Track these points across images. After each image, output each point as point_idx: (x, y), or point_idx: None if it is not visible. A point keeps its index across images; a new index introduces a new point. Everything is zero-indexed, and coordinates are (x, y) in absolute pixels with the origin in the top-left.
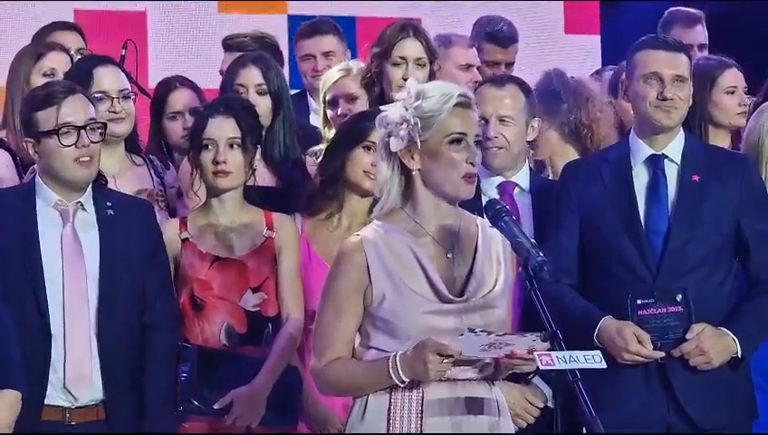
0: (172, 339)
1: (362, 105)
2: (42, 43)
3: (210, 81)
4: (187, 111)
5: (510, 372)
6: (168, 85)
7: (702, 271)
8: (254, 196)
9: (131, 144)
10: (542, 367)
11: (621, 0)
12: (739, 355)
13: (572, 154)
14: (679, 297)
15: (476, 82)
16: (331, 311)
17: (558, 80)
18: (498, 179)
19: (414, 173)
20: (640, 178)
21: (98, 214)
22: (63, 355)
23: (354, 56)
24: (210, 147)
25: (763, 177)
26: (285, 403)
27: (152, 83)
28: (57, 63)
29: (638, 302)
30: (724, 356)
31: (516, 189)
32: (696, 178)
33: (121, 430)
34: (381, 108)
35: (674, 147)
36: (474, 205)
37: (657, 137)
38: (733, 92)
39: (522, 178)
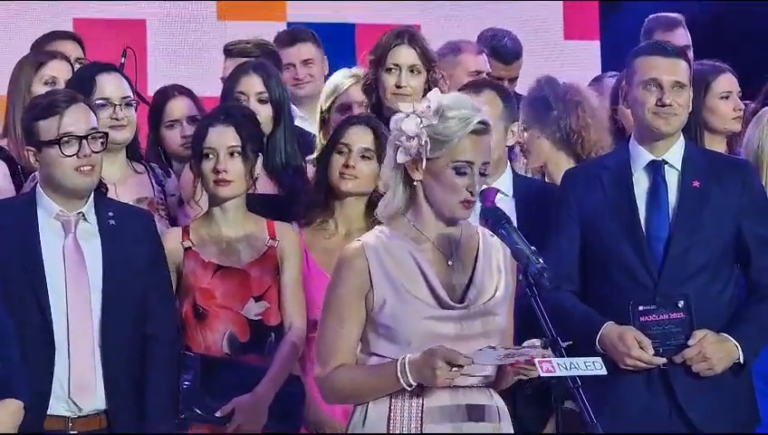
0: (173, 349)
1: None
2: (43, 51)
3: (209, 88)
4: (185, 119)
5: (517, 377)
6: (165, 94)
7: (703, 277)
8: (255, 204)
9: (132, 152)
10: (542, 374)
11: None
12: (741, 361)
13: (565, 160)
14: (681, 303)
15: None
16: (333, 318)
17: (548, 87)
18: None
19: (416, 184)
20: (641, 184)
21: (99, 224)
22: (68, 365)
23: (353, 63)
24: (211, 156)
25: (764, 182)
26: (287, 412)
27: (151, 91)
28: (58, 72)
29: (640, 308)
30: (726, 362)
31: (498, 195)
32: (696, 183)
33: None
34: (400, 105)
35: (674, 153)
36: None
37: (657, 143)
38: (727, 97)
39: (503, 183)
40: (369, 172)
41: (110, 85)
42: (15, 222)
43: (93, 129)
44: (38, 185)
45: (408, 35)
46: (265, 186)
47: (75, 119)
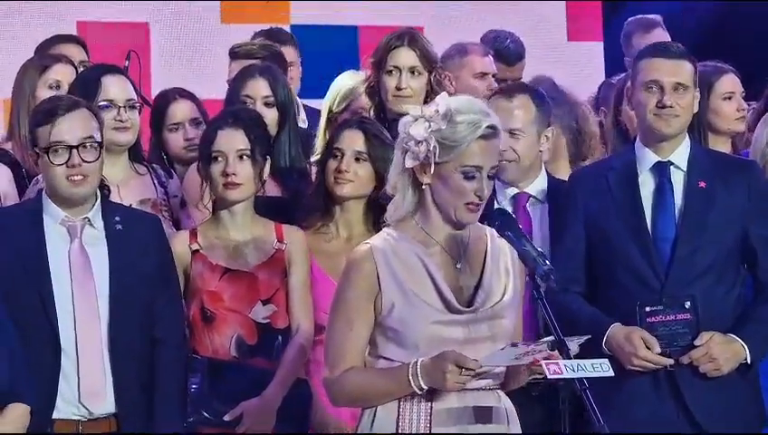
0: (181, 353)
1: None
2: (47, 55)
3: (213, 91)
4: (188, 121)
5: (532, 377)
6: (167, 97)
7: (710, 277)
8: (260, 206)
9: (135, 153)
10: (549, 376)
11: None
12: (748, 361)
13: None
14: (688, 304)
15: (492, 90)
16: (342, 321)
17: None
18: (512, 191)
19: (424, 187)
20: (647, 185)
21: (106, 229)
22: (77, 370)
23: (357, 66)
24: (220, 159)
25: None
26: (295, 415)
27: (155, 94)
28: (63, 75)
29: (647, 309)
30: (733, 363)
31: (530, 200)
32: (702, 184)
33: None
34: (408, 108)
35: (680, 154)
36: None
37: (662, 144)
38: (730, 98)
39: (536, 188)
40: (363, 175)
41: (115, 87)
42: (22, 228)
43: (88, 137)
44: (44, 191)
45: (408, 37)
46: (270, 189)
47: (69, 127)
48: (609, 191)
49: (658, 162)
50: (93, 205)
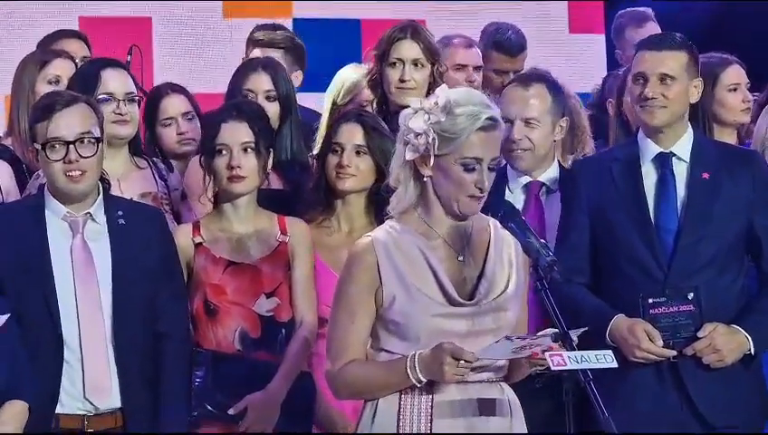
0: (185, 347)
1: None
2: (47, 50)
3: (215, 85)
4: (180, 116)
5: (533, 369)
6: (159, 92)
7: (713, 269)
8: (263, 199)
9: (135, 147)
10: (553, 367)
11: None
12: (752, 352)
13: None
14: (691, 296)
15: (471, 81)
16: (344, 313)
17: None
18: (525, 179)
19: (426, 180)
20: (650, 176)
21: (109, 223)
22: (81, 366)
23: (359, 59)
24: (224, 152)
25: None
26: (299, 409)
27: None
28: (62, 71)
29: (650, 301)
30: (736, 354)
31: (543, 189)
32: (706, 175)
33: None
34: (410, 101)
35: (682, 145)
36: (498, 203)
37: (661, 135)
38: (736, 89)
39: (549, 177)
40: (364, 168)
41: (115, 81)
42: (24, 224)
43: (86, 132)
44: (46, 188)
45: (411, 29)
46: (272, 182)
47: (66, 123)
48: (612, 182)
49: (660, 153)
50: (95, 200)
